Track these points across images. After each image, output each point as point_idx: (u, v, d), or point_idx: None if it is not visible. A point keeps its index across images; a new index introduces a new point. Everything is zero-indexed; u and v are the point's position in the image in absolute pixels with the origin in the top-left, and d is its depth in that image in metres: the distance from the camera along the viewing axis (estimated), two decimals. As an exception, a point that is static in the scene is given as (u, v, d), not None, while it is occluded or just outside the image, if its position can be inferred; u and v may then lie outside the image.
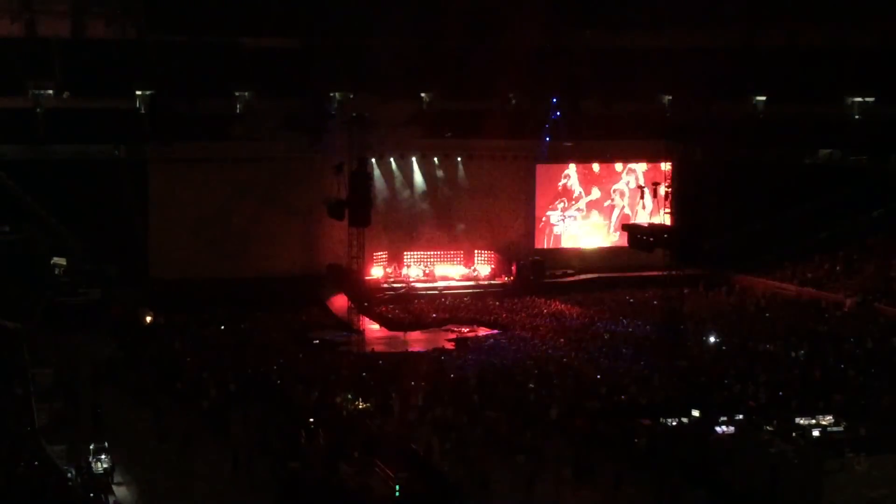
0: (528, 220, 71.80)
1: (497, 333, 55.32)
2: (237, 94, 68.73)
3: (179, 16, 66.89)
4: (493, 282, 67.66)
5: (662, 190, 72.25)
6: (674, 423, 37.90)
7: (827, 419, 35.93)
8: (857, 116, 72.23)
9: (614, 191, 73.52)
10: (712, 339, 52.36)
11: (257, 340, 51.91)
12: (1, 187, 61.35)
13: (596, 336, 53.42)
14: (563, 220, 72.68)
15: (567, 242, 72.78)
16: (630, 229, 69.38)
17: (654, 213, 72.99)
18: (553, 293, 64.96)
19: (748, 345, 51.27)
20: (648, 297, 62.54)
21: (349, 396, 41.40)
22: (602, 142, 71.66)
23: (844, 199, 66.23)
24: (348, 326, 57.19)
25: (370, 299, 60.19)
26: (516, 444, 37.17)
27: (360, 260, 59.10)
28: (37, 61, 65.32)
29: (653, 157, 72.66)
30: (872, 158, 68.71)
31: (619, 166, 73.25)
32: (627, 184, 73.47)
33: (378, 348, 52.81)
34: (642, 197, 73.12)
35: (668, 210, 62.51)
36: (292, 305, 58.71)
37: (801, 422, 35.64)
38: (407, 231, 68.23)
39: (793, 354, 48.98)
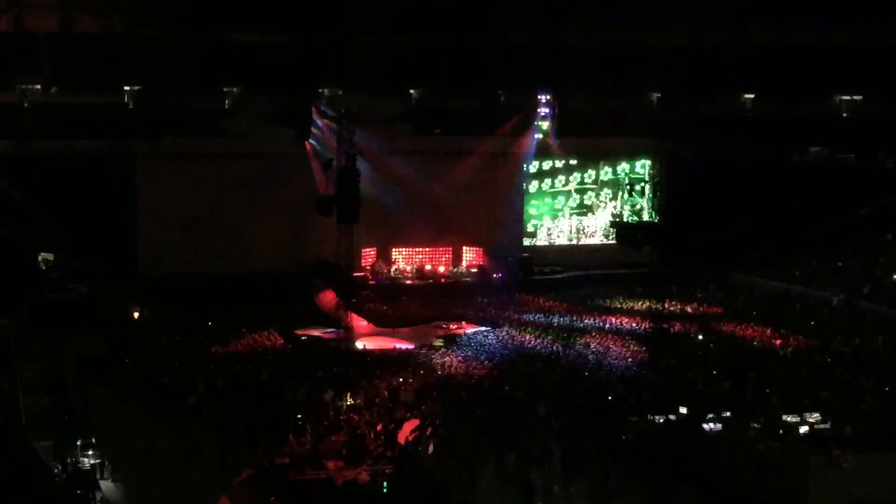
0: (517, 217, 71.84)
1: (485, 330, 55.33)
2: (226, 89, 68.63)
3: (168, 10, 66.81)
4: (481, 278, 67.64)
5: (651, 187, 72.82)
6: (661, 420, 37.97)
7: (814, 417, 36.07)
8: (845, 114, 72.42)
9: (603, 188, 73.62)
10: (700, 337, 52.50)
11: (245, 336, 51.82)
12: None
13: (584, 333, 53.42)
14: (553, 217, 72.85)
15: (555, 239, 72.92)
16: (618, 227, 69.69)
17: (642, 211, 73.25)
18: (541, 290, 65.00)
19: (736, 342, 51.41)
20: (636, 295, 62.66)
21: (337, 393, 41.40)
22: (590, 139, 71.76)
23: (832, 196, 66.40)
24: (336, 322, 57.12)
25: (358, 295, 60.19)
26: (504, 441, 37.20)
27: (349, 256, 59.03)
28: (24, 55, 65.14)
29: (641, 155, 72.88)
30: (860, 156, 68.91)
31: (607, 163, 73.34)
32: (616, 181, 73.61)
33: (366, 345, 52.80)
34: (631, 194, 73.32)
35: (656, 207, 62.82)
36: (280, 301, 58.60)
37: (788, 419, 35.77)
38: (395, 228, 68.11)
39: (780, 352, 49.13)
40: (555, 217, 73.13)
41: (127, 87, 66.79)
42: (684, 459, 35.40)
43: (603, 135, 71.41)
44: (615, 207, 73.56)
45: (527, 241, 72.27)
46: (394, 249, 68.33)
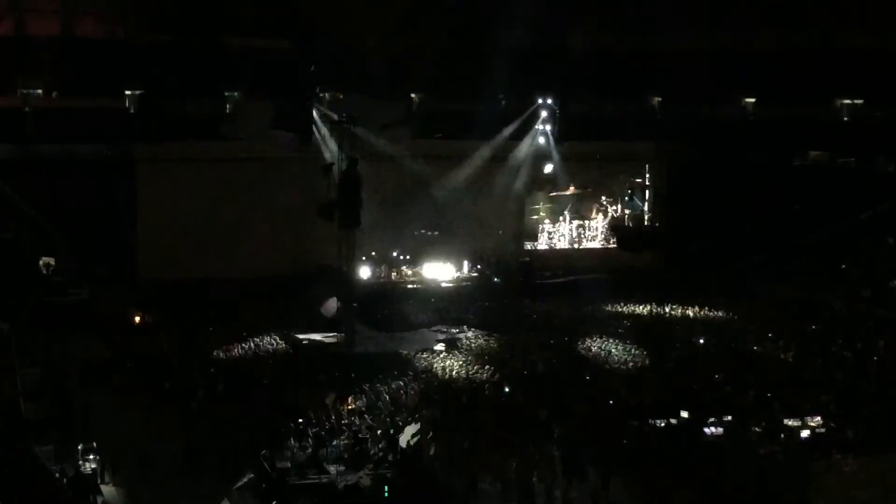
0: (518, 221, 71.85)
1: (486, 334, 55.27)
2: (227, 94, 68.70)
3: (169, 15, 66.86)
4: (482, 282, 67.60)
5: (652, 191, 72.72)
6: (662, 425, 37.95)
7: (815, 420, 36.04)
8: (845, 118, 72.47)
9: (604, 192, 73.58)
10: (701, 341, 52.48)
11: (246, 340, 51.82)
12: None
13: (585, 337, 53.39)
14: (553, 221, 72.86)
15: (556, 244, 72.90)
16: (619, 231, 69.71)
17: (643, 215, 73.21)
18: (542, 294, 64.93)
19: (737, 346, 51.39)
20: (637, 299, 62.57)
21: (338, 397, 41.41)
22: (591, 143, 71.77)
23: (833, 200, 66.40)
24: (337, 327, 57.06)
25: (359, 300, 60.16)
26: (505, 445, 37.18)
27: (350, 261, 58.97)
28: (25, 60, 65.20)
29: (642, 159, 72.84)
30: (861, 160, 68.92)
31: (608, 168, 73.27)
32: (618, 185, 73.55)
33: (367, 349, 52.79)
34: (632, 198, 73.28)
35: (657, 211, 62.73)
36: (282, 305, 58.60)
37: (789, 423, 35.74)
38: (397, 232, 68.08)
39: (781, 356, 49.10)
40: (555, 221, 73.09)
41: (128, 92, 66.86)
42: (685, 464, 35.38)
43: (604, 139, 71.38)
44: (616, 212, 73.51)
45: (527, 245, 72.25)
46: (395, 253, 68.21)
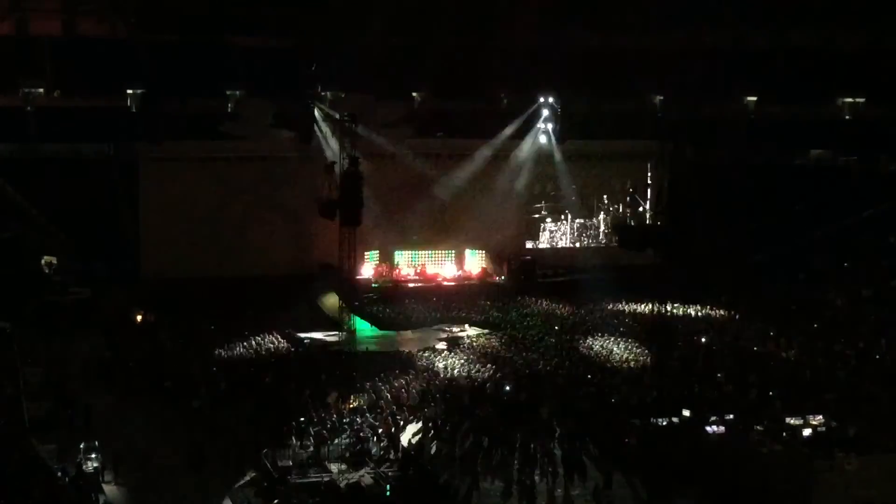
0: (520, 219, 71.83)
1: (488, 333, 55.28)
2: (228, 92, 68.71)
3: (170, 14, 66.86)
4: (484, 281, 67.62)
5: (653, 190, 72.72)
6: (664, 423, 37.95)
7: (817, 419, 36.03)
8: (847, 117, 72.46)
9: (605, 190, 73.55)
10: (703, 339, 52.46)
11: (248, 339, 51.83)
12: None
13: (586, 336, 53.38)
14: (555, 219, 72.84)
15: (558, 242, 72.90)
16: (620, 229, 69.69)
17: (644, 214, 73.18)
18: (544, 293, 64.92)
19: (739, 345, 51.38)
20: (639, 297, 62.54)
21: (340, 396, 41.42)
22: (593, 142, 71.75)
23: (835, 199, 66.39)
24: (339, 325, 57.11)
25: (361, 298, 60.24)
26: (507, 444, 37.18)
27: (352, 259, 59.02)
28: (28, 59, 65.26)
29: (643, 157, 72.81)
30: (862, 159, 68.92)
31: (610, 166, 73.26)
32: (619, 183, 73.53)
33: (369, 348, 52.81)
34: (633, 197, 73.27)
35: (658, 210, 62.60)
36: (283, 304, 58.62)
37: (792, 422, 35.74)
38: (398, 230, 68.06)
39: (784, 355, 49.10)
40: (557, 219, 73.09)
41: (129, 91, 66.89)
42: (687, 463, 35.37)
43: (605, 137, 71.38)
44: (617, 210, 73.49)
45: (529, 244, 72.24)
46: (397, 252, 68.23)
